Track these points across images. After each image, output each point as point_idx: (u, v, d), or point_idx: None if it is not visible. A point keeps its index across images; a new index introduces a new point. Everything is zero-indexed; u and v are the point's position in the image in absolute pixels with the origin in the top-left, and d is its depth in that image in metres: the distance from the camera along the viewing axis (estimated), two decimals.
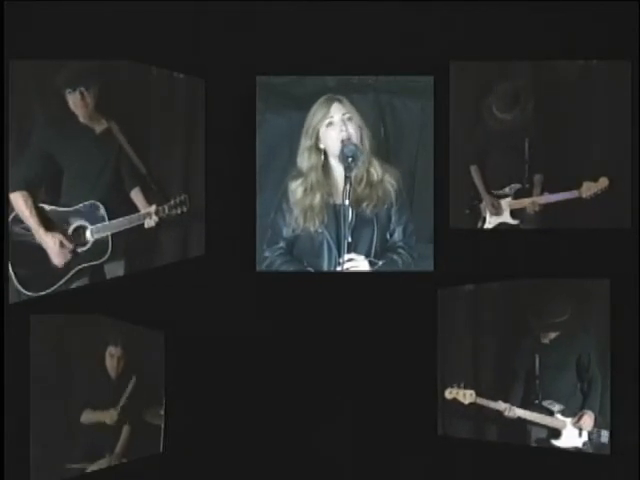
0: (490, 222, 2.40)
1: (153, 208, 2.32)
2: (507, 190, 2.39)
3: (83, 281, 2.33)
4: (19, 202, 2.29)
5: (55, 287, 2.31)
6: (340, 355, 2.29)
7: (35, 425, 2.23)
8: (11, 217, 2.29)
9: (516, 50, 2.29)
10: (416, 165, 2.33)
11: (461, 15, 2.29)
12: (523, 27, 2.29)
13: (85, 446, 2.29)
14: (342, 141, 2.23)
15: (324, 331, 2.29)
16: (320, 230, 2.29)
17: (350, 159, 2.21)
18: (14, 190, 2.28)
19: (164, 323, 2.28)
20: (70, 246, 2.31)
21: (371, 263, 2.27)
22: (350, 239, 2.24)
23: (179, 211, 2.32)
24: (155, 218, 2.32)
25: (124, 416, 2.32)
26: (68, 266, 2.32)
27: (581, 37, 2.29)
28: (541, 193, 2.36)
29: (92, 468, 2.29)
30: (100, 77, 2.27)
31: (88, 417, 2.30)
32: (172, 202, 2.32)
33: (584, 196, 2.33)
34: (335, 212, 2.27)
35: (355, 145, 2.23)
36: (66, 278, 2.32)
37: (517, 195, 2.39)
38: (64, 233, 2.32)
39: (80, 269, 2.33)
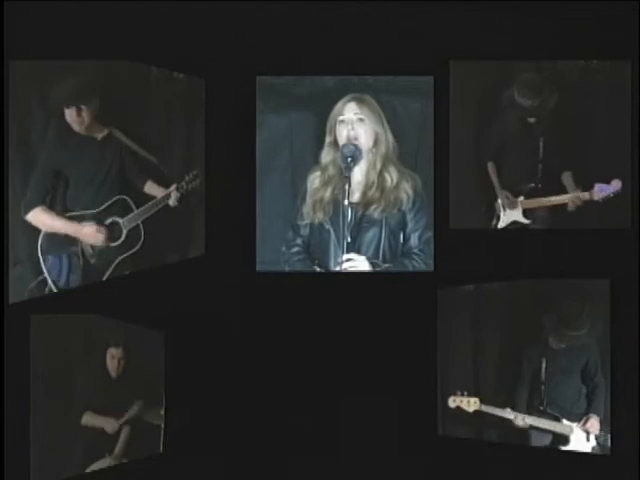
0: (504, 220, 2.40)
1: (174, 186, 2.35)
2: (520, 189, 2.40)
3: (126, 272, 2.36)
4: (41, 217, 2.30)
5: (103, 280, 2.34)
6: (340, 355, 2.29)
7: (35, 425, 2.23)
8: (40, 237, 2.30)
9: (516, 50, 2.29)
10: (416, 165, 2.33)
11: (461, 15, 2.29)
12: (523, 27, 2.29)
13: (85, 446, 2.29)
14: (348, 139, 2.24)
15: (324, 331, 2.29)
16: (327, 227, 2.29)
17: (349, 159, 2.21)
18: (30, 210, 2.29)
19: (164, 323, 2.28)
20: (105, 228, 2.34)
21: (374, 265, 2.26)
22: (349, 239, 2.24)
23: (195, 185, 2.34)
24: (175, 197, 2.35)
25: (125, 422, 2.33)
26: (108, 261, 2.34)
27: (581, 37, 2.29)
28: (576, 189, 2.34)
29: (92, 468, 2.29)
30: (98, 88, 2.28)
31: (89, 420, 2.30)
32: (187, 178, 2.35)
33: (595, 198, 2.32)
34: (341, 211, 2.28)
35: (355, 146, 2.23)
36: (107, 274, 2.34)
37: (529, 195, 2.39)
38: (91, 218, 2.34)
39: (120, 261, 2.35)
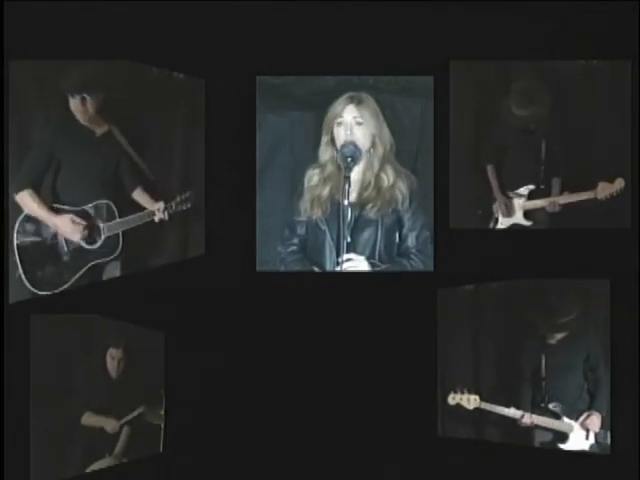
0: (502, 223, 2.39)
1: (162, 205, 2.34)
2: (521, 191, 2.39)
3: (95, 279, 2.35)
4: (26, 200, 2.30)
5: (68, 284, 2.32)
6: (340, 355, 2.29)
7: (35, 425, 2.23)
8: (19, 219, 2.30)
9: (516, 50, 2.29)
10: (416, 165, 2.33)
11: (461, 15, 2.29)
12: (523, 27, 2.29)
13: (85, 446, 2.29)
14: (344, 142, 2.24)
15: (324, 331, 2.29)
16: (323, 227, 2.29)
17: (349, 159, 2.21)
18: (20, 190, 2.29)
19: (164, 323, 2.28)
20: (83, 222, 2.33)
21: (373, 265, 2.27)
22: (349, 239, 2.24)
23: (184, 207, 2.33)
24: (161, 215, 2.33)
25: (125, 423, 2.33)
26: (79, 264, 2.34)
27: (581, 37, 2.29)
28: (560, 193, 2.34)
29: (92, 468, 2.29)
30: (103, 82, 2.28)
31: (89, 420, 2.30)
32: (178, 199, 2.33)
33: (599, 197, 2.32)
34: (338, 210, 2.27)
35: (355, 146, 2.23)
36: (78, 275, 2.33)
37: (531, 196, 2.39)
38: (74, 213, 2.33)
39: (92, 266, 2.34)
